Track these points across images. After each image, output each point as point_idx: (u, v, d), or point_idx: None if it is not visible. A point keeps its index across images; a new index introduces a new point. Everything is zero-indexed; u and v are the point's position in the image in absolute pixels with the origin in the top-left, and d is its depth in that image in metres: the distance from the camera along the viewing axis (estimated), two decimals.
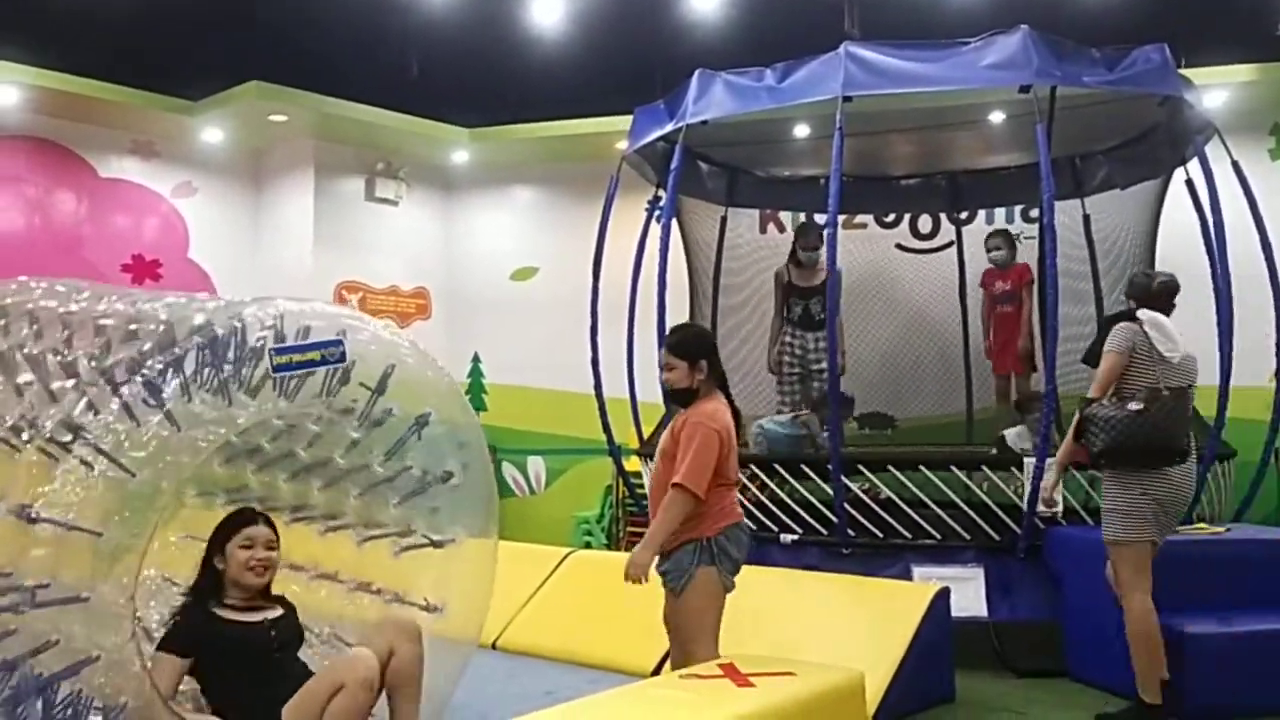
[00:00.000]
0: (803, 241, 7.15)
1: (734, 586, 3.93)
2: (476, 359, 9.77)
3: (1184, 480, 4.39)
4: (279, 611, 3.76)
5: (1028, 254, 7.51)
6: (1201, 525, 5.43)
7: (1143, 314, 4.50)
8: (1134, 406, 4.32)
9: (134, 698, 3.34)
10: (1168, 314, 4.55)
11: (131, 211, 8.63)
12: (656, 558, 3.90)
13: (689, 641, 3.89)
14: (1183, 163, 6.46)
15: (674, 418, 4.04)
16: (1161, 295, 4.59)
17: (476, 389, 9.72)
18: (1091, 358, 4.58)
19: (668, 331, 4.12)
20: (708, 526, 3.86)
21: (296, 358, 3.58)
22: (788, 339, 7.17)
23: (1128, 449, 4.31)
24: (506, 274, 9.77)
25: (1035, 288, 7.06)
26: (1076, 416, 4.51)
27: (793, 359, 7.16)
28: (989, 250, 7.32)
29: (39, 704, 3.19)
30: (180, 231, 8.89)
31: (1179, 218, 6.68)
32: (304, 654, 3.88)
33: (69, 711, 3.26)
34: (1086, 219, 7.43)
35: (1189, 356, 4.48)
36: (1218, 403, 5.66)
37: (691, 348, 3.95)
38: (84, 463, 3.26)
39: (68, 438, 3.42)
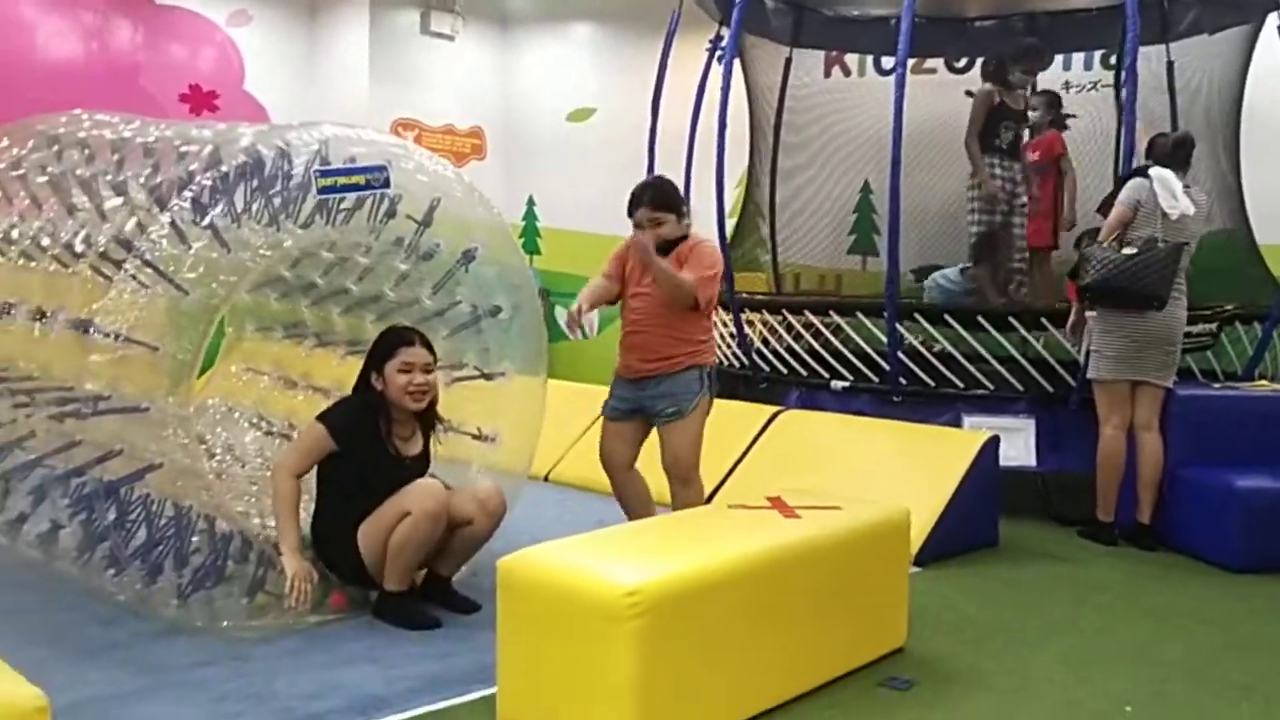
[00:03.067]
0: (1025, 65, 6.57)
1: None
2: (531, 202, 9.71)
3: (1164, 325, 4.76)
4: (420, 448, 3.78)
5: (1104, 104, 7.21)
6: (1263, 382, 5.35)
7: (1154, 171, 4.81)
8: (1128, 251, 4.74)
9: (200, 501, 3.49)
10: (1183, 168, 4.91)
11: (187, 41, 8.53)
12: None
13: (691, 469, 4.03)
14: (1276, 6, 6.07)
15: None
16: (1174, 151, 4.94)
17: (531, 233, 9.69)
18: (1104, 208, 5.02)
19: (641, 190, 4.01)
20: (708, 356, 4.01)
21: (341, 180, 3.57)
22: (996, 170, 6.57)
23: (1111, 288, 4.74)
24: (563, 115, 9.59)
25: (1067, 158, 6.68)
26: (1079, 256, 4.96)
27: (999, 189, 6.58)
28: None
29: (111, 507, 3.34)
30: (236, 63, 8.80)
31: (1271, 65, 6.34)
32: None
33: (139, 513, 3.42)
34: (1170, 66, 7.07)
35: (1193, 217, 4.80)
36: None
37: (676, 199, 3.98)
38: (138, 281, 3.32)
39: (121, 255, 3.48)
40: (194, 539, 3.53)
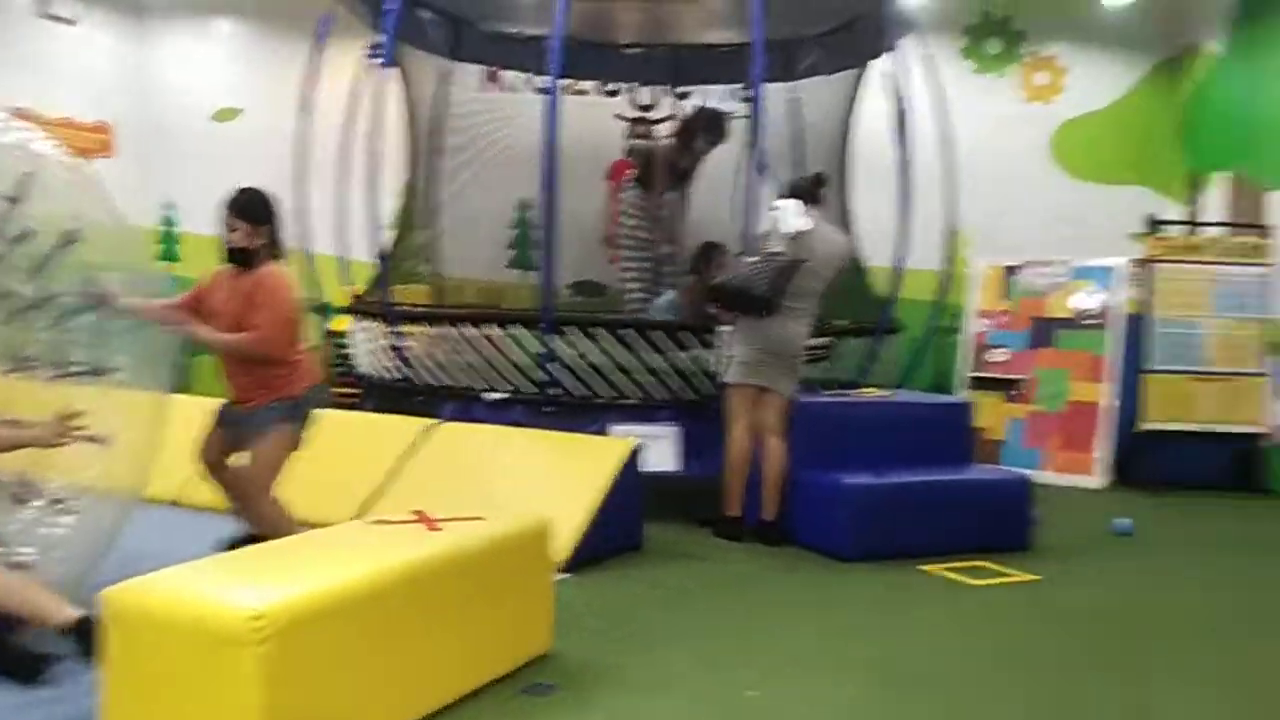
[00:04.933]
0: (710, 137, 6.94)
1: (304, 443, 4.18)
2: (171, 205, 9.01)
3: (785, 337, 5.27)
4: None
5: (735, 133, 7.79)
6: (872, 389, 5.96)
7: (780, 202, 5.34)
8: (750, 260, 5.32)
9: None
10: (818, 201, 5.44)
11: None
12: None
13: (256, 489, 4.09)
14: (882, 53, 6.82)
15: (230, 277, 4.10)
16: (813, 188, 5.47)
17: (169, 237, 8.99)
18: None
19: (236, 192, 4.09)
20: (295, 387, 4.09)
21: None
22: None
23: (727, 289, 5.32)
24: (207, 114, 9.01)
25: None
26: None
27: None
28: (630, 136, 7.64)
29: None
30: None
31: (874, 108, 7.11)
32: None
33: None
34: (797, 103, 7.73)
35: (811, 237, 5.22)
36: (890, 281, 6.14)
37: (257, 212, 4.08)
38: None
39: None
40: None
